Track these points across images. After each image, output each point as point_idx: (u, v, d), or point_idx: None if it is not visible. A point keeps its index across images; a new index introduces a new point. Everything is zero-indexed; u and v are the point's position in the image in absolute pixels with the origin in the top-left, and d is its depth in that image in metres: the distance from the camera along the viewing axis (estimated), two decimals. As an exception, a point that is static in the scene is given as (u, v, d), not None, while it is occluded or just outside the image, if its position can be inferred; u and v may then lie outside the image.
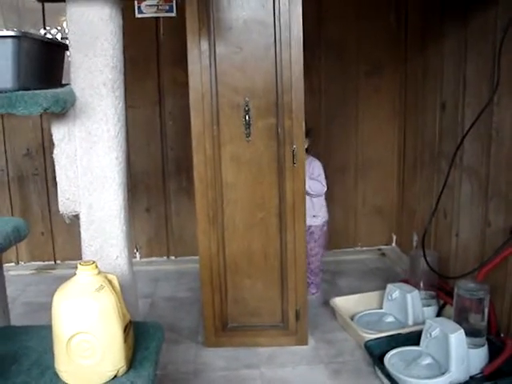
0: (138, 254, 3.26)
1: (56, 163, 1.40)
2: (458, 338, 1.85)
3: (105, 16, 1.34)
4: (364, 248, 3.41)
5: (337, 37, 3.13)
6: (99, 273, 1.11)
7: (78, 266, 1.10)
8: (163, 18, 3.05)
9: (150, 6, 3.02)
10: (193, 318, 2.53)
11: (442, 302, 2.38)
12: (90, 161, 1.38)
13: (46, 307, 1.19)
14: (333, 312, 2.51)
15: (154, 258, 3.32)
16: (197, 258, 2.19)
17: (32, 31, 2.86)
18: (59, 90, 1.30)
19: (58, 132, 1.38)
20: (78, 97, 1.35)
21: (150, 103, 3.14)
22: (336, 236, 3.36)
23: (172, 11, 3.03)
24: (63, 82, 1.60)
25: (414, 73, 2.99)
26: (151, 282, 2.99)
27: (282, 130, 2.04)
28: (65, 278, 1.16)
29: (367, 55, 3.16)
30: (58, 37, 3.05)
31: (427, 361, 1.93)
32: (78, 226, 1.45)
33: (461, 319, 1.97)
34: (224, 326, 2.23)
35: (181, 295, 2.81)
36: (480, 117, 2.14)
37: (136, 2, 2.95)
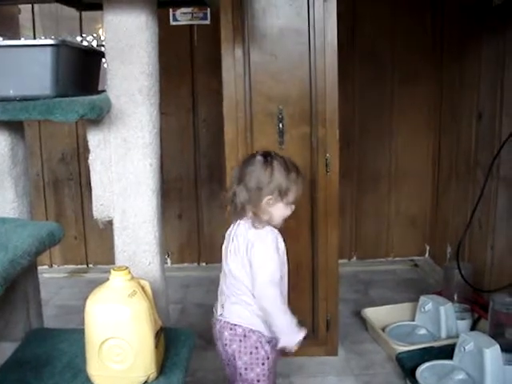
0: (169, 260, 3.28)
1: (91, 169, 1.41)
2: (493, 353, 1.79)
3: (141, 24, 1.35)
4: (396, 258, 3.36)
5: (371, 43, 3.10)
6: (132, 278, 1.12)
7: (112, 271, 1.11)
8: (197, 25, 3.08)
9: (184, 13, 3.04)
10: (222, 325, 2.52)
11: (476, 315, 2.33)
12: (124, 167, 1.39)
13: (78, 310, 1.21)
14: (364, 323, 2.47)
15: (185, 264, 3.33)
16: (227, 265, 2.18)
17: (69, 38, 2.92)
18: (95, 96, 1.32)
19: (94, 138, 1.40)
20: (113, 104, 1.36)
21: (184, 110, 3.16)
22: (368, 246, 3.33)
23: (206, 19, 3.05)
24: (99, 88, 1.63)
25: (450, 81, 2.94)
26: (182, 288, 3.00)
27: (316, 138, 2.03)
28: (97, 282, 1.17)
29: (402, 63, 3.12)
30: (94, 44, 3.11)
31: (460, 376, 1.88)
32: (110, 231, 1.47)
33: (496, 334, 1.92)
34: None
35: (211, 302, 2.77)
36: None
37: (171, 10, 2.99)
